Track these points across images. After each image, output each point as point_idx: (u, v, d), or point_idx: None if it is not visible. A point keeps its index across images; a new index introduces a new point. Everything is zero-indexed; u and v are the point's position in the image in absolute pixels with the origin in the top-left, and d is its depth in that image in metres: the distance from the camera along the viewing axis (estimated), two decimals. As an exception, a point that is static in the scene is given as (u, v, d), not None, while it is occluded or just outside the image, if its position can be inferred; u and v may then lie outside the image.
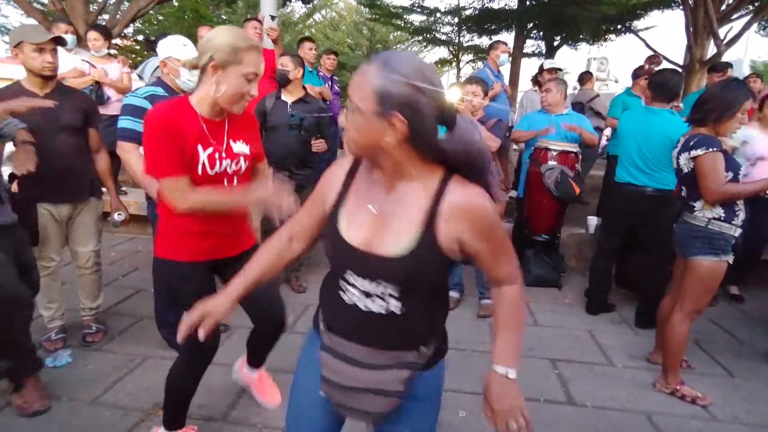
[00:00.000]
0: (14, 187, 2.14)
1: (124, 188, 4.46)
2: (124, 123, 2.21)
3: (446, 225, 0.96)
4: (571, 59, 22.51)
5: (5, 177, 2.13)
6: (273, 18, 4.72)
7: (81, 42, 4.71)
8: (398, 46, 20.98)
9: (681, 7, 7.62)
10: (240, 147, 1.66)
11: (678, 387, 2.34)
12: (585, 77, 5.75)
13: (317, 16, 21.15)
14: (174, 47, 2.30)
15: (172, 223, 1.63)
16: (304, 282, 3.52)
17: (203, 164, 1.55)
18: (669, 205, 2.73)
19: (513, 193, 4.48)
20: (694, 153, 2.16)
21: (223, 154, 1.60)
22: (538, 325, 3.13)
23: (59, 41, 2.23)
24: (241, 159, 1.67)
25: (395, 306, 1.01)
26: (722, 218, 2.16)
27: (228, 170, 1.63)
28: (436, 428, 1.22)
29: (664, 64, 5.89)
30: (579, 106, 5.03)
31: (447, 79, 25.55)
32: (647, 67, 4.54)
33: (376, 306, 1.02)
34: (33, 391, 2.00)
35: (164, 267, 1.69)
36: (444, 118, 0.95)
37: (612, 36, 11.48)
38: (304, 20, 20.27)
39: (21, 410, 1.96)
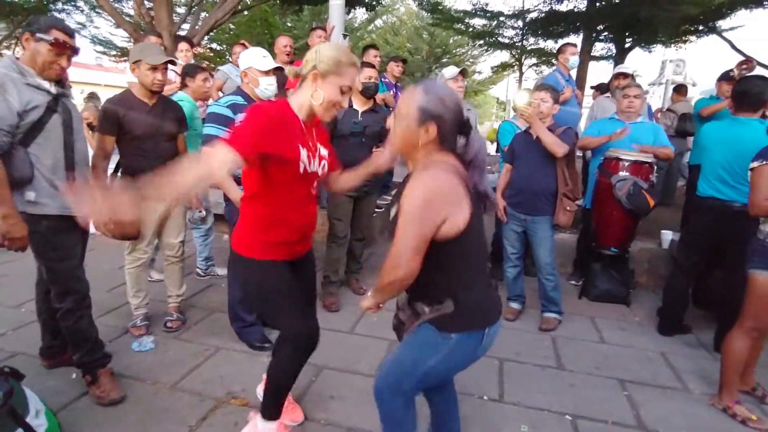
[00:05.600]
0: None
1: (199, 188, 4.78)
2: (209, 130, 2.37)
3: None
4: (644, 61, 21.28)
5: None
6: (345, 36, 4.79)
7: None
8: (458, 50, 20.85)
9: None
10: (323, 151, 1.75)
11: (730, 405, 2.25)
12: (681, 90, 5.92)
13: (378, 22, 21.48)
14: (254, 59, 2.45)
15: (251, 228, 1.70)
16: (364, 285, 3.59)
17: (304, 163, 1.61)
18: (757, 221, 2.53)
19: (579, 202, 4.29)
20: (752, 164, 2.09)
21: (314, 157, 1.68)
22: (605, 343, 2.99)
23: (172, 62, 2.47)
24: (325, 162, 1.75)
25: None
26: None
27: (318, 172, 1.70)
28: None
29: (758, 70, 5.44)
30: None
31: (508, 83, 25.03)
32: (736, 72, 4.17)
33: None
34: (108, 382, 2.13)
35: (243, 263, 1.74)
36: (462, 130, 1.35)
37: (692, 37, 10.73)
38: (366, 26, 20.66)
39: (99, 399, 2.09)
